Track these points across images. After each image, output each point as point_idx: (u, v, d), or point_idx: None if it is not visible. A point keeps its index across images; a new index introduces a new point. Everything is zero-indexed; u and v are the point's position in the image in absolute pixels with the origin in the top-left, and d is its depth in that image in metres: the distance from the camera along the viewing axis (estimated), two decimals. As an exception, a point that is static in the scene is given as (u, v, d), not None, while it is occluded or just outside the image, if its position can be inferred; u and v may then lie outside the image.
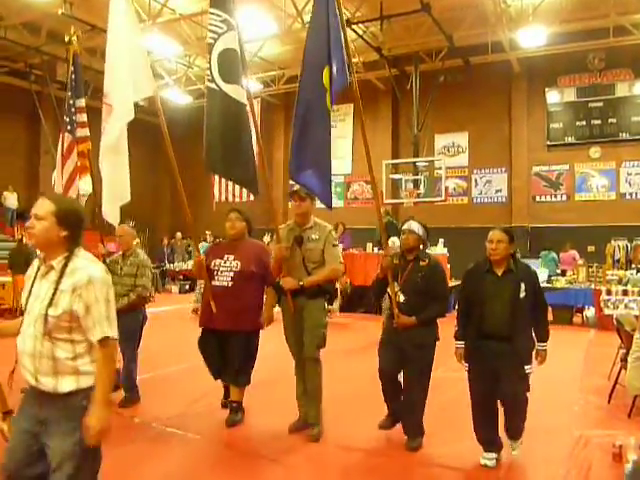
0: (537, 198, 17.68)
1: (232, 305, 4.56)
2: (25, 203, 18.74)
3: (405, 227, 4.35)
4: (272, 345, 5.16)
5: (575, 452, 4.21)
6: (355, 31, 15.00)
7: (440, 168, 15.71)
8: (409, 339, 4.16)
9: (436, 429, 4.49)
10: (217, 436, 4.58)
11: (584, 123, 17.08)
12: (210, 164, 4.69)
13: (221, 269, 4.68)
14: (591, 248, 15.33)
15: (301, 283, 4.38)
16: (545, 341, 3.88)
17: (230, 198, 18.88)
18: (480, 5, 14.23)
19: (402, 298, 4.22)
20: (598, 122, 16.89)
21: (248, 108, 4.66)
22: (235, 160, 4.53)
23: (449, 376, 5.87)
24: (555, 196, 17.50)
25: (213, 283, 4.67)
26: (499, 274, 3.85)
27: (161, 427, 4.72)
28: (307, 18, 14.85)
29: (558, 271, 13.49)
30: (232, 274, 4.63)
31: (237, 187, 18.22)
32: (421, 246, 4.35)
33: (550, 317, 10.99)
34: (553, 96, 17.45)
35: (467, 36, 15.49)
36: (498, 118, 17.93)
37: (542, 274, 12.07)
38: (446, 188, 15.94)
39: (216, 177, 18.67)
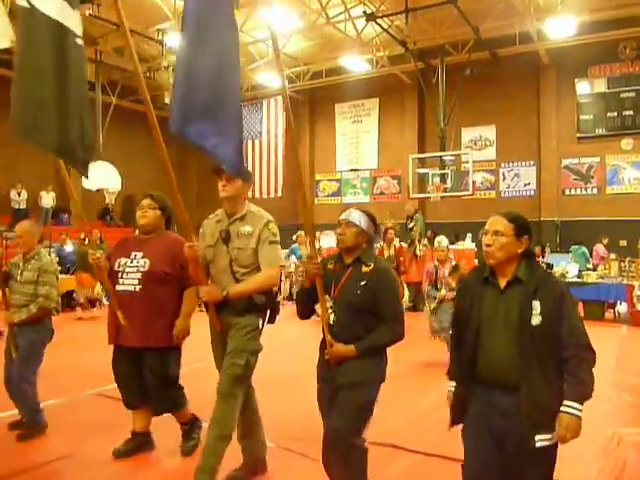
0: (567, 192, 17.37)
1: (140, 315, 3.65)
2: (57, 202, 19.11)
3: (342, 217, 3.15)
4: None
5: (608, 450, 4.13)
6: (380, 25, 14.91)
7: (467, 162, 15.55)
8: (342, 375, 2.97)
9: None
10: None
11: (615, 114, 16.71)
12: (19, 127, 3.27)
13: (127, 270, 3.76)
14: (623, 242, 15.01)
15: (224, 293, 3.32)
16: (579, 401, 2.30)
17: (257, 195, 18.93)
18: (507, -4, 14.01)
19: (332, 318, 3.01)
20: (630, 113, 16.51)
21: (80, 41, 3.25)
22: (54, 120, 3.21)
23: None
24: (585, 189, 17.17)
25: (117, 288, 3.75)
26: (502, 286, 2.47)
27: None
28: (331, 13, 14.84)
29: (589, 266, 13.25)
30: (139, 275, 3.71)
31: (264, 183, 18.29)
32: (365, 244, 3.11)
33: (581, 312, 10.96)
34: (583, 87, 17.10)
35: (494, 27, 15.27)
36: (526, 110, 17.64)
37: (573, 269, 11.88)
38: (473, 182, 15.77)
39: (242, 174, 18.77)
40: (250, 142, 18.75)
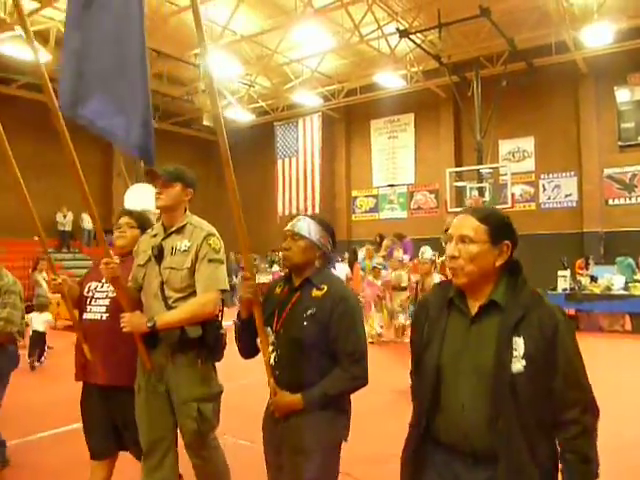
0: (610, 201, 16.95)
1: (107, 348, 2.99)
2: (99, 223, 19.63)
3: (287, 227, 2.53)
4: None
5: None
6: (413, 40, 14.95)
7: (505, 174, 15.36)
8: (287, 436, 2.28)
9: None
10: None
11: (658, 121, 16.28)
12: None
13: (96, 296, 3.15)
14: (671, 252, 14.52)
15: (150, 324, 2.68)
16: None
17: (294, 211, 19.10)
18: (542, 6, 13.87)
19: (274, 357, 2.34)
20: (673, 119, 16.07)
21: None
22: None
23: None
24: (630, 198, 16.71)
25: (84, 316, 3.13)
26: (472, 312, 1.77)
27: (232, 439, 4.80)
28: (364, 31, 14.96)
29: (636, 277, 12.85)
30: (107, 302, 3.07)
31: (301, 200, 18.46)
32: (318, 261, 2.42)
33: (628, 326, 10.63)
34: (623, 95, 16.73)
35: (529, 38, 15.13)
36: (565, 120, 17.36)
37: (618, 281, 11.55)
38: (512, 194, 15.53)
39: (280, 191, 19.01)
40: (287, 160, 18.96)
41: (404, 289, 9.38)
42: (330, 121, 21.01)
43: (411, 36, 14.72)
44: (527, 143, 18.09)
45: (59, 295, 3.25)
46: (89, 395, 3.14)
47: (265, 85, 19.30)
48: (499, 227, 1.75)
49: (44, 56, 13.95)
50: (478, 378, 1.65)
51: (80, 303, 3.20)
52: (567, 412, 1.61)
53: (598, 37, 14.38)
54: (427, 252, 6.90)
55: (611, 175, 16.92)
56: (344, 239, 20.75)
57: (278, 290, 2.49)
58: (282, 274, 2.63)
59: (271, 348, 2.35)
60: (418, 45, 15.18)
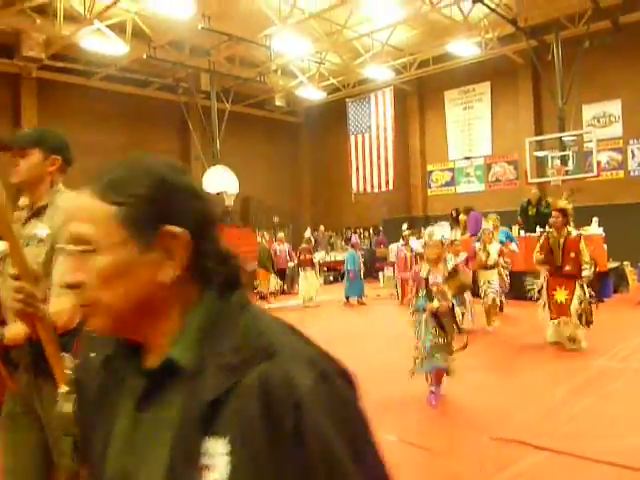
0: None
1: None
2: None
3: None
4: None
5: None
6: (487, 5, 14.33)
7: (590, 141, 14.55)
8: None
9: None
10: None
11: None
12: None
13: None
14: None
15: None
16: None
17: (369, 189, 19.03)
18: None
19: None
20: None
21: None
22: None
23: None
24: None
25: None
26: (143, 382, 0.88)
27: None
28: (436, -1, 14.50)
29: None
30: None
31: (375, 177, 18.37)
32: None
33: None
34: None
35: (614, -6, 14.18)
36: (656, 80, 16.19)
37: None
38: (598, 162, 14.72)
39: (354, 168, 18.95)
40: (360, 136, 18.85)
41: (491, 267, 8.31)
42: (402, 95, 20.62)
43: (485, 0, 14.12)
44: (613, 106, 17.03)
45: None
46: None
47: (335, 62, 19.14)
48: (153, 193, 0.87)
49: (122, 48, 14.50)
50: None
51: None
52: None
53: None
54: (436, 233, 5.10)
55: None
56: (420, 215, 20.47)
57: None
58: None
59: None
60: (493, 10, 14.54)
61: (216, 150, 17.97)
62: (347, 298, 12.76)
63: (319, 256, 19.29)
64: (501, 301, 8.53)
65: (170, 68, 17.44)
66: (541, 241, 7.11)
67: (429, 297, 5.03)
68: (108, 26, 13.81)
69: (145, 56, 15.50)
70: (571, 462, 3.68)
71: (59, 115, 17.84)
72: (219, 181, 17.50)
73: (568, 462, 3.69)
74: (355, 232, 22.05)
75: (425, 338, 4.98)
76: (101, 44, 14.26)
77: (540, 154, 15.23)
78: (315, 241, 20.31)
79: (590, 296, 6.73)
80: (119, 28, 14.16)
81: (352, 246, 13.95)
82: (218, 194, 17.77)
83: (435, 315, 4.98)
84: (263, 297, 12.86)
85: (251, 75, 18.75)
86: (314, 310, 12.24)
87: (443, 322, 4.98)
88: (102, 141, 19.12)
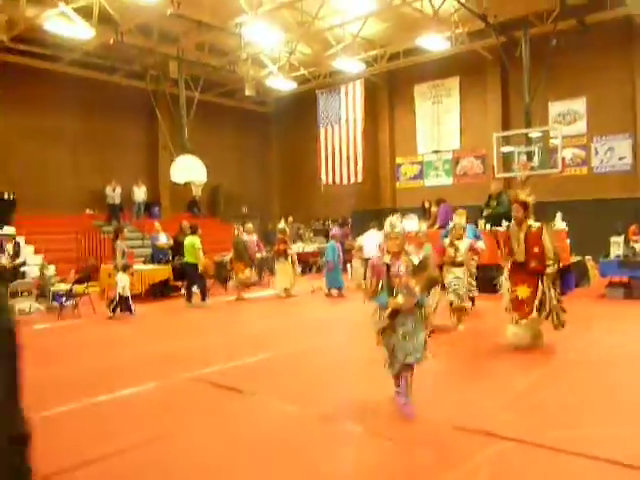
0: (668, 164, 16.19)
1: None
2: (147, 196, 20.05)
3: None
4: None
5: None
6: (457, 0, 14.44)
7: (555, 138, 14.82)
8: None
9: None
10: (331, 412, 4.66)
11: None
12: None
13: None
14: None
15: None
16: None
17: (337, 181, 19.04)
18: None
19: None
20: None
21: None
22: None
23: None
24: (689, 160, 15.93)
25: None
26: None
27: (280, 405, 4.90)
28: (407, -8, 14.51)
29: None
30: None
31: (344, 169, 18.39)
32: None
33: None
34: (683, 50, 15.81)
35: (582, -7, 14.42)
36: (619, 80, 16.54)
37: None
38: (563, 159, 15.03)
39: (322, 160, 18.93)
40: (330, 128, 18.82)
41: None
42: (372, 87, 20.66)
43: (456, -4, 14.21)
44: (579, 104, 17.37)
45: None
46: None
47: (306, 52, 19.05)
48: None
49: (87, 32, 14.14)
50: None
51: None
52: None
53: (657, -11, 13.56)
54: (397, 223, 4.55)
55: (669, 136, 16.12)
56: (389, 207, 20.58)
57: None
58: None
59: None
60: (463, 5, 14.66)
61: (184, 139, 17.73)
62: (329, 289, 12.53)
63: (295, 248, 19.18)
64: (472, 298, 8.33)
65: (138, 54, 17.12)
66: (502, 237, 6.86)
67: (391, 291, 4.42)
68: (74, 9, 13.45)
69: (112, 41, 15.17)
70: (533, 451, 3.75)
71: (21, 100, 17.38)
72: (187, 170, 17.28)
73: (530, 451, 3.76)
74: (324, 224, 22.07)
75: (398, 344, 4.44)
76: (66, 28, 13.87)
77: (507, 149, 15.44)
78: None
79: (559, 294, 6.49)
80: (85, 11, 13.79)
81: (332, 237, 13.80)
82: (186, 184, 17.56)
83: (396, 313, 4.40)
84: (243, 288, 12.66)
85: (221, 63, 18.53)
86: (288, 301, 12.21)
87: (411, 320, 4.44)
88: (67, 128, 18.70)
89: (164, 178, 19.89)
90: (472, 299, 8.40)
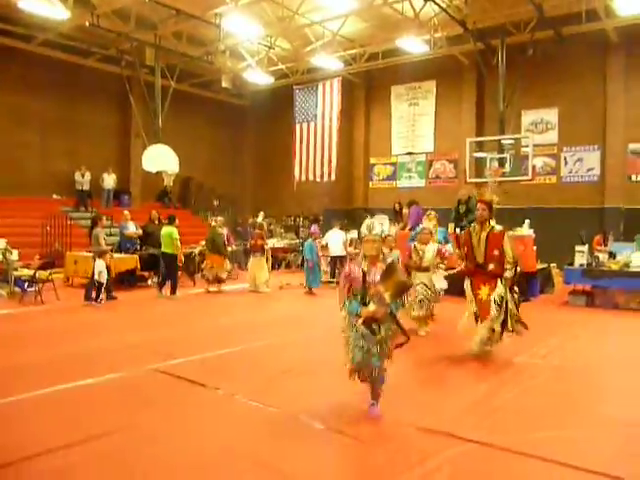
0: (633, 177, 16.58)
1: None
2: (117, 184, 19.72)
3: None
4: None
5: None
6: (438, 4, 14.55)
7: (527, 146, 15.05)
8: None
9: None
10: (295, 409, 4.64)
11: (689, 95, 15.79)
12: None
13: None
14: (694, 230, 14.25)
15: None
16: None
17: (311, 177, 18.98)
18: (574, -29, 13.38)
19: None
20: None
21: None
22: None
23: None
24: (654, 175, 16.35)
25: None
26: None
27: (244, 400, 4.88)
28: (389, -7, 14.55)
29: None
30: None
31: (318, 166, 18.36)
32: None
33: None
34: (654, 67, 16.21)
35: (558, 5, 14.67)
36: (591, 93, 16.90)
37: (637, 258, 11.40)
38: (533, 167, 15.28)
39: (297, 156, 18.87)
40: (305, 125, 18.76)
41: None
42: (350, 86, 20.68)
43: (436, 0, 14.32)
44: (551, 115, 17.69)
45: None
46: None
47: (285, 47, 18.96)
48: None
49: (63, 13, 13.82)
50: None
51: None
52: None
53: (631, 5, 13.86)
54: (375, 227, 4.60)
55: (636, 150, 16.52)
56: (361, 207, 20.64)
57: None
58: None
59: None
60: (443, 9, 14.78)
61: (158, 128, 17.47)
62: (310, 288, 12.44)
63: (270, 243, 19.05)
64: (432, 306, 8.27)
65: (114, 39, 16.79)
66: (462, 236, 6.79)
67: (364, 300, 4.36)
68: (49, -12, 13.15)
69: (88, 24, 14.85)
70: (494, 453, 3.81)
71: (-9, 78, 16.91)
72: (159, 159, 17.02)
73: (491, 453, 3.81)
74: (295, 221, 22.04)
75: (356, 353, 4.39)
76: (41, 7, 13.53)
77: (480, 155, 15.64)
78: (254, 227, 20.11)
79: (517, 299, 6.42)
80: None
81: (310, 235, 13.76)
82: (157, 173, 17.31)
83: (367, 322, 4.31)
84: (220, 281, 12.49)
85: (198, 53, 18.31)
86: (260, 295, 12.17)
87: (380, 328, 4.36)
88: (38, 110, 18.27)
89: (135, 166, 19.59)
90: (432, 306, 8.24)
